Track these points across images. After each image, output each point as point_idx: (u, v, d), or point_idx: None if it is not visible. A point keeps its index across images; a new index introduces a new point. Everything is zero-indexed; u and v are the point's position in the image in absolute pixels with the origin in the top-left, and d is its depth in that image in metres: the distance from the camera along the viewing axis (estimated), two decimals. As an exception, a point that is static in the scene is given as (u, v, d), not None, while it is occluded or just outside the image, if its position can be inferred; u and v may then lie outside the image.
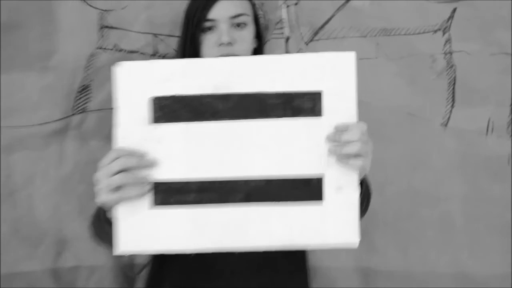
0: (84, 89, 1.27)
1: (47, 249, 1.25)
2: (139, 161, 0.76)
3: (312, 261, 1.19)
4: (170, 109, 0.77)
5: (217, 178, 0.77)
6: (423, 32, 1.29)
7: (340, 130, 0.75)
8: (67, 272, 1.26)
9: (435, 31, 1.29)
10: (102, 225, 0.85)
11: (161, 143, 0.77)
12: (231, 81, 0.76)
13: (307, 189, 0.76)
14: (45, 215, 1.25)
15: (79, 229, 1.23)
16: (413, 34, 1.29)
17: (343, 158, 0.74)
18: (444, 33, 1.29)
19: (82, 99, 1.27)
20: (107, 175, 0.74)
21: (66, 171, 1.26)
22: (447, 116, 1.27)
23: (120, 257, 1.27)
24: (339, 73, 0.75)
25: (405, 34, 1.28)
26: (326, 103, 0.76)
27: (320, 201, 0.76)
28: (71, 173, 1.26)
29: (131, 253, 0.79)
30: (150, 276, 1.03)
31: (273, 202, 0.77)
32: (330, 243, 0.76)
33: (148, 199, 0.77)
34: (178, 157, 0.77)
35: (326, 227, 0.76)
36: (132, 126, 0.77)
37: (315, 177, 0.76)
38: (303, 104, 0.76)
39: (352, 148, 0.73)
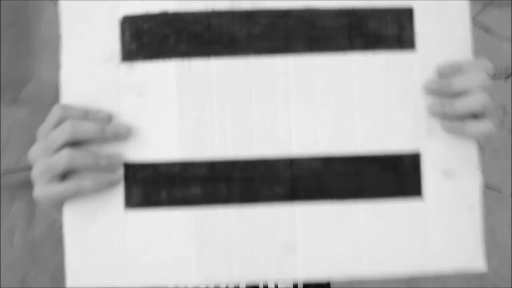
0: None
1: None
2: (101, 127, 0.51)
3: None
4: (154, 37, 0.53)
5: (239, 156, 0.52)
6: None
7: (449, 72, 0.52)
8: None
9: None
10: None
11: (142, 96, 0.52)
12: None
13: (393, 175, 0.53)
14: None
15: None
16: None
17: (455, 121, 0.52)
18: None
19: (63, 140, 1.13)
20: (46, 152, 0.48)
21: (37, 233, 1.18)
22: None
23: None
24: None
25: None
26: (421, 28, 0.54)
27: (417, 194, 0.53)
28: (43, 236, 1.17)
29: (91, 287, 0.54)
30: None
31: (336, 199, 0.53)
32: (437, 267, 0.52)
33: (118, 195, 0.51)
34: (171, 121, 0.52)
35: (428, 237, 0.53)
36: (89, 66, 0.51)
37: (407, 154, 0.53)
38: (383, 29, 0.54)
39: (471, 103, 0.50)
